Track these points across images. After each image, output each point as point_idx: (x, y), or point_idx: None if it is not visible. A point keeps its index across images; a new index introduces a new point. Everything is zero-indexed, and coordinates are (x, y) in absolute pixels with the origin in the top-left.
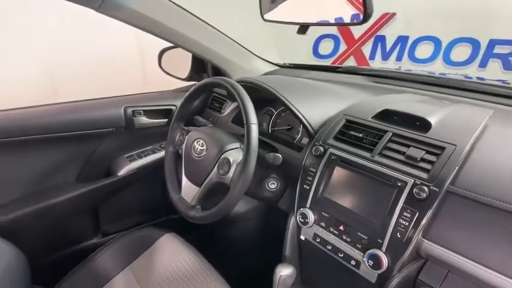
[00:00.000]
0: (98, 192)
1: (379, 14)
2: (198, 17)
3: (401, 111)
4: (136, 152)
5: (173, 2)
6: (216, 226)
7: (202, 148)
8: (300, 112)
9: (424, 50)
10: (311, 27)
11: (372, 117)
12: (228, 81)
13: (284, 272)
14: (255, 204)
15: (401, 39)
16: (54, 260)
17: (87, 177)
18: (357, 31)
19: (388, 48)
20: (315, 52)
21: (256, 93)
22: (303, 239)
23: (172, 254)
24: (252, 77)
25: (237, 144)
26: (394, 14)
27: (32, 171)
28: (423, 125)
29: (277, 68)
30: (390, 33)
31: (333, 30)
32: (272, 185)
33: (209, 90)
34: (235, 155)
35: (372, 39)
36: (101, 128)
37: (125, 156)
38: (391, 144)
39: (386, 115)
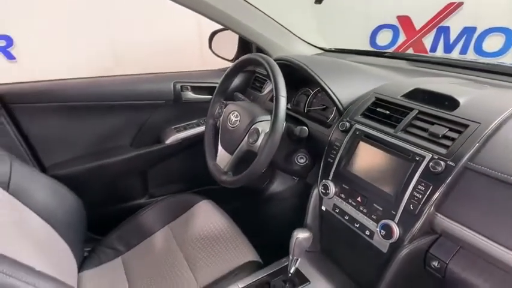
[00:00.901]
0: (147, 157)
1: (444, 3)
2: (245, 0)
3: (431, 90)
4: (183, 124)
5: None
6: (252, 201)
7: (236, 119)
8: (330, 88)
9: (494, 43)
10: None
11: (401, 96)
12: (263, 57)
13: (300, 235)
14: (291, 185)
15: (468, 31)
16: (107, 212)
17: (139, 143)
18: (419, 21)
19: (451, 40)
20: (372, 42)
21: (295, 73)
22: (324, 209)
23: (207, 217)
24: (289, 55)
25: (268, 117)
26: (461, 4)
27: (94, 133)
28: (452, 104)
29: (321, 51)
30: (455, 24)
31: (392, 20)
32: (301, 159)
33: (247, 66)
34: (264, 126)
35: (435, 30)
36: (152, 100)
37: (173, 127)
38: (415, 121)
39: (416, 94)
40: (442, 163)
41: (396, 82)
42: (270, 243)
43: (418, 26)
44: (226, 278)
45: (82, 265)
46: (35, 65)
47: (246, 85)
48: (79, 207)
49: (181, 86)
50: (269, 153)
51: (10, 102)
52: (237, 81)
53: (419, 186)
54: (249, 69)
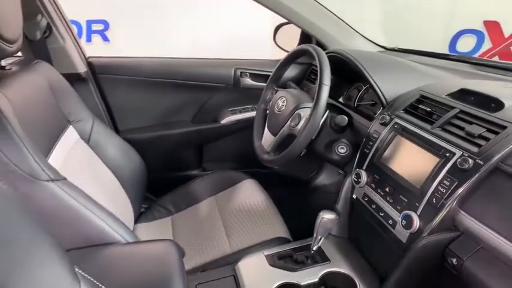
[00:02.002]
0: (204, 133)
1: None
2: None
3: (477, 91)
4: (239, 107)
5: None
6: (296, 190)
7: (283, 104)
8: (375, 82)
9: None
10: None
11: (446, 95)
12: (314, 47)
13: (326, 215)
14: (338, 180)
15: None
16: (164, 177)
17: (199, 120)
18: (510, 28)
19: None
20: (452, 48)
21: (349, 68)
22: (355, 197)
23: (249, 194)
24: (341, 49)
25: (311, 104)
26: None
27: (162, 107)
28: (497, 106)
29: (382, 49)
30: None
31: (478, 25)
32: (341, 149)
33: (299, 56)
34: (306, 112)
35: None
36: (214, 82)
37: (229, 109)
38: (455, 120)
39: (462, 94)
40: (471, 160)
41: (444, 81)
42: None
43: (507, 33)
44: (255, 247)
45: (138, 218)
46: (124, 47)
47: (302, 77)
48: (142, 168)
49: (241, 72)
50: (307, 136)
51: (99, 72)
52: (293, 72)
53: (445, 181)
54: (306, 61)
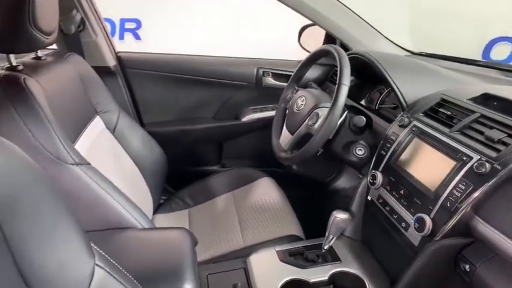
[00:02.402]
0: (224, 130)
1: None
2: None
3: (500, 96)
4: (260, 106)
5: None
6: (313, 192)
7: (302, 103)
8: (395, 84)
9: None
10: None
11: (468, 99)
12: (335, 48)
13: (339, 215)
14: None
15: None
16: (184, 171)
17: (220, 117)
18: None
19: None
20: (486, 55)
21: (371, 70)
22: (369, 199)
23: (265, 192)
24: (364, 50)
25: (330, 104)
26: None
27: (186, 102)
28: None
29: (407, 53)
30: None
31: None
32: (359, 151)
33: (321, 57)
34: (325, 111)
35: None
36: (237, 80)
37: (250, 107)
38: (475, 124)
39: (485, 99)
40: (488, 165)
41: (467, 86)
42: (319, 230)
43: None
44: (267, 243)
45: (157, 209)
46: (154, 45)
47: (325, 78)
48: (163, 160)
49: (263, 72)
50: (323, 135)
51: (127, 67)
52: (316, 73)
53: (460, 185)
54: (329, 63)
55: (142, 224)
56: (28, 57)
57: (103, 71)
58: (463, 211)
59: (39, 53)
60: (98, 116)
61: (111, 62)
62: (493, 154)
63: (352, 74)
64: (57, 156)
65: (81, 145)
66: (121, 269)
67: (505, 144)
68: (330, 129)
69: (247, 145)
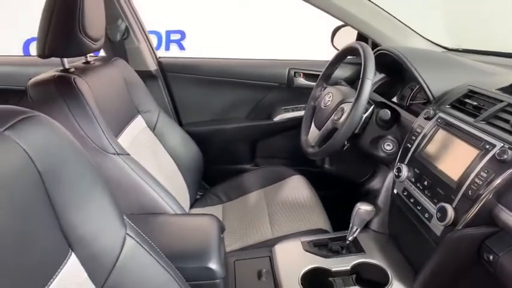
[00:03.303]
0: (257, 129)
1: None
2: None
3: None
4: (291, 106)
5: None
6: (348, 192)
7: (329, 99)
8: (421, 77)
9: None
10: None
11: (497, 89)
12: (360, 44)
13: (363, 206)
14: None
15: None
16: (219, 169)
17: (253, 117)
18: None
19: None
20: None
21: (401, 67)
22: (395, 192)
23: (296, 188)
24: (391, 46)
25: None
26: None
27: (221, 103)
28: None
29: (442, 50)
30: None
31: None
32: (388, 146)
33: (348, 54)
34: (349, 106)
35: None
36: (269, 81)
37: (282, 107)
38: (501, 113)
39: None
40: (510, 152)
41: (496, 77)
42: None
43: None
44: (294, 235)
45: (194, 203)
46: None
47: (356, 77)
48: (199, 158)
49: (294, 72)
50: (347, 129)
51: (167, 71)
52: (347, 72)
53: (482, 173)
54: (359, 61)
55: (175, 210)
56: (79, 62)
57: (145, 75)
58: (485, 199)
59: (89, 58)
60: (139, 115)
61: (153, 67)
62: None
63: (383, 71)
64: (101, 146)
65: (123, 139)
66: (150, 242)
67: None
68: (354, 122)
69: (279, 144)
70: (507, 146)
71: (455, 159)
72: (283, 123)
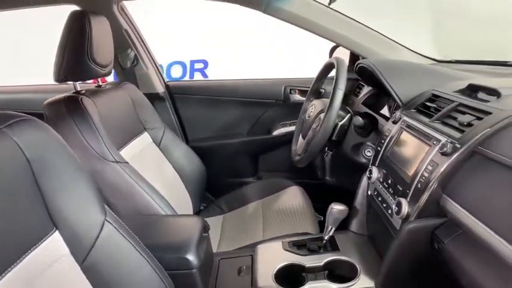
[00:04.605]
0: (257, 144)
1: None
2: (349, 17)
3: (482, 85)
4: (289, 121)
5: (326, 6)
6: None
7: (312, 110)
8: (389, 84)
9: None
10: None
11: (455, 91)
12: (337, 59)
13: (335, 206)
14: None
15: None
16: (222, 181)
17: (254, 133)
18: None
19: None
20: None
21: None
22: (369, 193)
23: (292, 198)
24: (367, 59)
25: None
26: None
27: (224, 120)
28: (498, 97)
29: (433, 62)
30: None
31: None
32: (368, 152)
33: (329, 69)
34: None
35: None
36: (267, 99)
37: (280, 123)
38: (453, 112)
39: (472, 90)
40: (450, 144)
41: (462, 81)
42: None
43: None
44: (280, 237)
45: (198, 213)
46: None
47: (349, 92)
48: (202, 171)
49: (290, 89)
50: (322, 135)
51: (174, 92)
52: None
53: (429, 166)
54: (352, 77)
55: (166, 211)
56: (92, 86)
57: (154, 97)
58: (431, 189)
59: (100, 82)
60: (146, 132)
61: (160, 89)
62: (457, 135)
63: (369, 85)
64: (102, 155)
65: (127, 151)
66: (128, 230)
67: (470, 125)
68: (327, 129)
69: (280, 158)
70: (449, 140)
71: (412, 157)
72: (282, 137)
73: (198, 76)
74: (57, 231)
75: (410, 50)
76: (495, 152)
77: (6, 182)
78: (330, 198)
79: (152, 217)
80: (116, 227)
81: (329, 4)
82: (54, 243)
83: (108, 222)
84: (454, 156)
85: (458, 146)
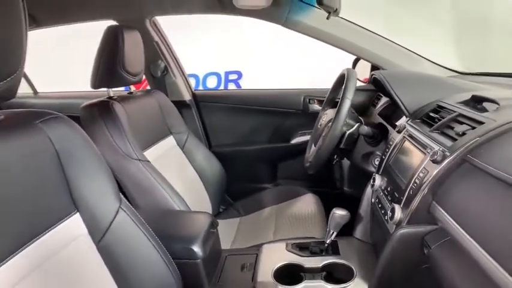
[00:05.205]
0: (276, 151)
1: None
2: (368, 29)
3: (486, 97)
4: (308, 130)
5: (345, 19)
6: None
7: (324, 119)
8: (397, 95)
9: None
10: None
11: (458, 102)
12: (348, 70)
13: (337, 211)
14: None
15: None
16: (243, 186)
17: (273, 140)
18: None
19: None
20: None
21: None
22: (372, 201)
23: (306, 205)
24: (379, 71)
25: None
26: None
27: (245, 128)
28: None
29: (454, 74)
30: None
31: None
32: (377, 161)
33: (343, 80)
34: None
35: None
36: (287, 108)
37: (299, 131)
38: (452, 122)
39: (474, 101)
40: (440, 153)
41: (466, 92)
42: None
43: None
44: (287, 240)
45: (217, 215)
46: None
47: (368, 103)
48: (222, 175)
49: (309, 99)
50: (328, 143)
51: (200, 100)
52: (360, 98)
53: (421, 174)
54: (370, 88)
55: (181, 208)
56: (125, 93)
57: (181, 104)
58: (421, 194)
59: (132, 89)
60: (171, 135)
61: (187, 97)
62: (449, 143)
63: (385, 95)
64: (127, 153)
65: (152, 152)
66: (141, 219)
67: (464, 134)
68: (334, 137)
69: (298, 166)
70: (440, 149)
71: (409, 165)
72: (300, 146)
73: (232, 86)
74: (78, 213)
75: (432, 61)
76: (483, 161)
77: (38, 168)
78: (346, 208)
79: (166, 211)
80: (129, 215)
81: (328, 18)
82: (74, 223)
83: (122, 209)
84: (444, 163)
85: (448, 154)
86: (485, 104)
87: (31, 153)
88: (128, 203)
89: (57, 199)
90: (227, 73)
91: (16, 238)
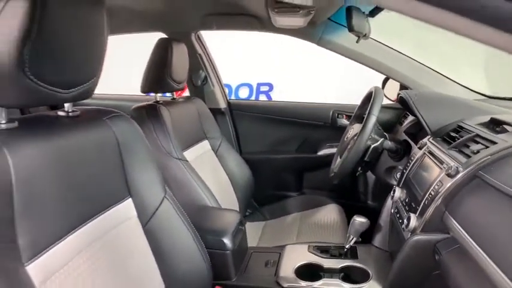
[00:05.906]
0: (303, 161)
1: None
2: (398, 51)
3: (504, 120)
4: (335, 143)
5: (376, 40)
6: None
7: (350, 133)
8: (420, 114)
9: None
10: None
11: (478, 124)
12: (375, 88)
13: (358, 218)
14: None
15: None
16: (269, 192)
17: (301, 151)
18: None
19: None
20: None
21: None
22: (392, 211)
23: (328, 214)
24: (405, 91)
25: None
26: None
27: (275, 137)
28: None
29: (481, 97)
30: None
31: None
32: (399, 175)
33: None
34: None
35: None
36: (316, 121)
37: (327, 144)
38: (470, 142)
39: (493, 123)
40: (454, 167)
41: (487, 115)
42: None
43: None
44: (308, 243)
45: (243, 218)
46: None
47: (396, 120)
48: (251, 180)
49: (337, 114)
50: (353, 156)
51: (234, 109)
52: (387, 115)
53: (436, 186)
54: (398, 106)
55: (213, 204)
56: (168, 99)
57: (217, 111)
58: (435, 204)
59: (175, 96)
60: (206, 140)
61: (223, 106)
62: (464, 160)
63: (411, 114)
64: (169, 152)
65: (190, 153)
66: (181, 209)
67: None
68: (358, 150)
69: (324, 177)
70: (455, 165)
71: (427, 179)
72: (326, 157)
73: (262, 98)
74: (130, 198)
75: (459, 83)
76: (493, 177)
77: (103, 156)
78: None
79: (201, 206)
80: (172, 204)
81: (357, 42)
82: (127, 206)
83: (167, 199)
84: (457, 177)
85: (461, 169)
86: (507, 127)
87: (100, 143)
88: (172, 194)
89: (115, 185)
90: (259, 84)
91: (77, 217)
